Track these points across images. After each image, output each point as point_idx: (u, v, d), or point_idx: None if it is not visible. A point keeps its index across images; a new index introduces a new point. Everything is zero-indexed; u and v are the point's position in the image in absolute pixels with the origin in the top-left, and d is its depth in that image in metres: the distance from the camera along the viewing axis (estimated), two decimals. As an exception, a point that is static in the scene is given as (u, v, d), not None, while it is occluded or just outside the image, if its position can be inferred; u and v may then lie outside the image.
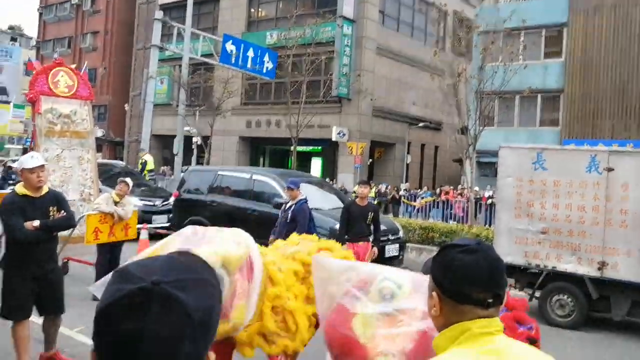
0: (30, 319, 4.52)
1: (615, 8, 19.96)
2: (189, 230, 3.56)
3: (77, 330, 5.61)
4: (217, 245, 3.34)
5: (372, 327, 2.69)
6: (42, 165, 4.44)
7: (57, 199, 4.60)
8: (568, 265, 7.24)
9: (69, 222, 4.72)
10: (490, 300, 1.32)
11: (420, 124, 26.36)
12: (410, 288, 2.74)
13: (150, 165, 17.89)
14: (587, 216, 7.12)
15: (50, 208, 4.46)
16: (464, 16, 18.94)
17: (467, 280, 1.32)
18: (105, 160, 20.78)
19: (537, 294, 7.61)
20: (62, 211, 4.55)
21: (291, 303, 3.75)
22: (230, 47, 19.55)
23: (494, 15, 14.43)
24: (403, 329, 2.62)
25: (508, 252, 7.53)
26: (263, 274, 3.60)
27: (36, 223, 4.32)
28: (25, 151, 24.62)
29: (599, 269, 7.04)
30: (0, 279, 4.54)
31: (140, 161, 18.32)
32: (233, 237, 3.54)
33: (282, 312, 3.73)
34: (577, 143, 17.66)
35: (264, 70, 20.83)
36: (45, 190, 4.51)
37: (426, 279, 2.84)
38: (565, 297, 7.31)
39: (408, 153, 26.82)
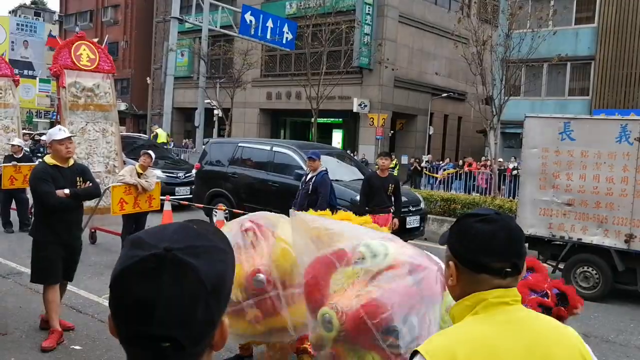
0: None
1: (650, -31, 19.09)
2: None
3: (104, 297, 5.78)
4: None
5: (345, 284, 2.91)
6: (70, 137, 4.74)
7: (82, 170, 4.94)
8: (594, 237, 7.12)
9: (96, 191, 5.06)
10: (508, 270, 1.30)
11: (443, 95, 25.94)
12: (390, 264, 2.84)
13: (162, 139, 18.03)
14: (616, 188, 6.94)
15: (77, 178, 4.77)
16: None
17: (483, 250, 1.30)
18: (129, 134, 21.04)
19: (561, 265, 7.52)
20: (88, 181, 4.84)
21: None
22: (249, 17, 19.39)
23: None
24: (362, 293, 2.83)
25: (532, 224, 7.44)
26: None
27: (67, 191, 4.60)
28: (52, 124, 24.98)
29: (627, 241, 6.91)
30: (28, 246, 4.77)
31: (152, 135, 18.50)
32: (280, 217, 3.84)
33: None
34: (607, 113, 17.11)
35: (284, 41, 20.65)
36: (72, 161, 4.81)
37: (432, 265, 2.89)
38: (590, 269, 7.21)
39: (430, 124, 26.49)
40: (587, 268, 7.23)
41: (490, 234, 1.30)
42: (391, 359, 2.73)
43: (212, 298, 0.82)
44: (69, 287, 5.32)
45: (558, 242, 7.53)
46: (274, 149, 10.18)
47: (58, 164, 4.65)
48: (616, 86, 20.11)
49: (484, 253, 1.30)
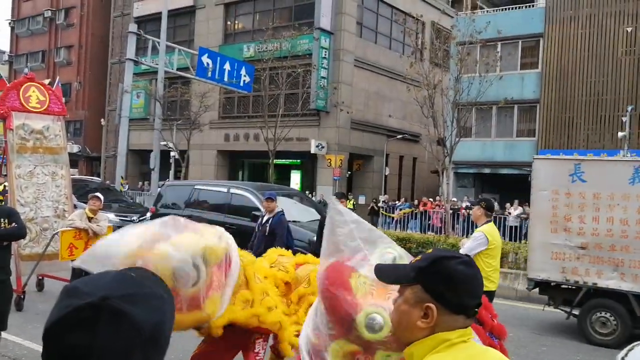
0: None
1: (590, 18, 20.33)
2: (169, 218, 3.52)
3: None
4: (200, 234, 3.38)
5: (365, 289, 2.72)
6: None
7: (8, 212, 4.86)
8: (610, 282, 6.84)
9: (20, 232, 4.92)
10: (476, 310, 1.36)
11: (398, 136, 26.56)
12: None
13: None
14: (631, 230, 6.70)
15: (1, 220, 4.67)
16: (441, 27, 19.20)
17: (470, 293, 1.34)
18: (81, 177, 20.45)
19: (576, 311, 7.27)
20: (14, 223, 4.74)
21: (272, 314, 3.74)
22: (206, 60, 19.48)
23: (470, 26, 14.46)
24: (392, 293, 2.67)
25: (543, 268, 7.20)
26: (240, 271, 3.62)
27: None
28: (0, 168, 24.02)
29: (644, 284, 6.70)
30: None
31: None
32: (215, 231, 3.58)
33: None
34: (553, 153, 17.88)
35: (241, 84, 20.79)
36: None
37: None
38: (607, 314, 6.94)
39: (386, 165, 26.97)
40: (604, 313, 6.96)
41: (474, 277, 1.36)
42: None
43: (149, 345, 0.82)
44: (11, 337, 5.02)
45: (571, 287, 7.23)
46: (231, 191, 10.10)
47: None
48: (560, 128, 21.15)
49: (470, 296, 1.34)
